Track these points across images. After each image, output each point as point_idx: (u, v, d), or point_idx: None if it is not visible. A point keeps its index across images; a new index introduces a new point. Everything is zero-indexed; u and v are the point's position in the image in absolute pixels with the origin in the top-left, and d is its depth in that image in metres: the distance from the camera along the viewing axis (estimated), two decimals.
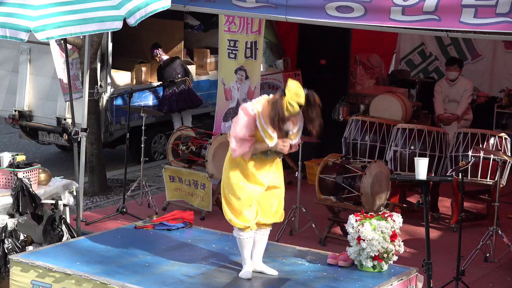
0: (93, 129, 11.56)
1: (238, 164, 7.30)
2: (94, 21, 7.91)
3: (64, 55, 9.94)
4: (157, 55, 13.70)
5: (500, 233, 9.08)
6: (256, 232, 7.46)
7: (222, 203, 7.44)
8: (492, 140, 10.00)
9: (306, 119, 7.16)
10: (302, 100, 7.00)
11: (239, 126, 7.16)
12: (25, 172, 8.38)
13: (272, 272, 7.52)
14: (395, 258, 7.65)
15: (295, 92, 6.99)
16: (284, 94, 7.02)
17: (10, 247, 8.10)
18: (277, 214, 7.50)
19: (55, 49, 10.90)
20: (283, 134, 7.16)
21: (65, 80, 10.18)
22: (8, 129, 15.35)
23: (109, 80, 13.01)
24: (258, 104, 7.18)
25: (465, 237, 8.53)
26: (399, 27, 8.20)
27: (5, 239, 8.10)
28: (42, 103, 13.11)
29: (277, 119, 7.03)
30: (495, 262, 9.13)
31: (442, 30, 8.03)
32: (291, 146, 7.31)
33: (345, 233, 7.77)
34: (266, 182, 7.33)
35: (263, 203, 7.40)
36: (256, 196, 7.33)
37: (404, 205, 10.44)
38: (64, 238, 8.45)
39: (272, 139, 7.15)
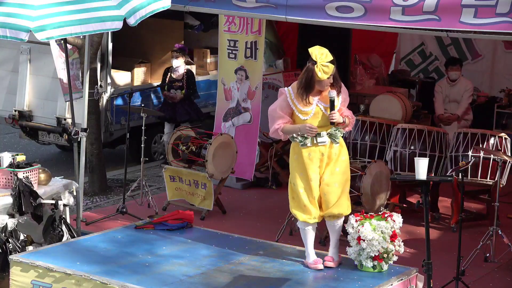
0: (93, 129, 11.57)
1: (297, 156, 7.59)
2: (94, 21, 7.91)
3: (64, 55, 9.94)
4: (179, 56, 12.87)
5: (500, 233, 9.08)
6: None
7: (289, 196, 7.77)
8: (492, 140, 10.00)
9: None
10: (331, 57, 7.42)
11: (274, 104, 7.61)
12: (25, 172, 8.39)
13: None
14: (395, 258, 7.65)
15: (321, 53, 7.42)
16: (315, 62, 7.41)
17: (11, 247, 8.10)
18: (334, 206, 7.66)
19: (55, 49, 10.90)
20: (306, 101, 7.47)
21: (65, 80, 10.18)
22: (8, 129, 15.35)
23: (109, 80, 13.01)
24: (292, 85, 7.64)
25: (465, 237, 8.53)
26: (399, 27, 8.20)
27: (9, 239, 8.10)
28: (42, 103, 13.11)
29: (302, 84, 7.46)
30: (495, 262, 9.13)
31: (442, 30, 8.03)
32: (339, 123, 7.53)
33: (345, 233, 7.77)
34: (316, 174, 7.56)
35: (321, 195, 7.65)
36: (315, 187, 7.57)
37: (404, 205, 10.44)
38: (64, 238, 8.45)
39: (305, 114, 7.47)
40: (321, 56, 7.40)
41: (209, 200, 10.43)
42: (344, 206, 7.70)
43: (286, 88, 7.62)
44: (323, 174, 7.61)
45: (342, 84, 7.64)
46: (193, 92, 13.01)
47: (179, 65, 12.81)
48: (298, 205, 7.68)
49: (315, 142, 7.52)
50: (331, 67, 7.41)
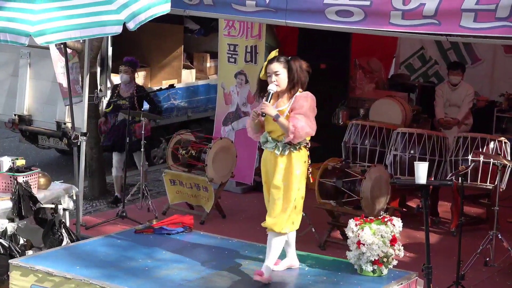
0: (93, 133, 11.56)
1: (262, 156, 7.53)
2: (94, 25, 7.91)
3: (63, 59, 9.94)
4: (128, 71, 11.44)
5: (500, 237, 9.07)
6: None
7: None
8: (492, 144, 9.99)
9: (291, 78, 7.28)
10: (269, 57, 7.32)
11: None
12: (24, 177, 8.39)
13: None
14: (395, 262, 7.65)
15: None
16: None
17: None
18: (269, 219, 7.31)
19: (54, 53, 10.90)
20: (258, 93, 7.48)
21: (65, 84, 10.19)
22: (8, 134, 15.36)
23: (109, 84, 13.00)
24: None
25: (465, 241, 8.52)
26: (399, 31, 8.19)
27: (10, 244, 8.10)
28: (42, 107, 13.12)
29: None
30: (495, 266, 9.12)
31: (442, 35, 8.03)
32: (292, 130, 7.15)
33: (345, 237, 7.77)
34: (266, 178, 7.45)
35: (269, 201, 7.42)
36: (265, 191, 7.48)
37: (404, 209, 10.44)
38: (64, 243, 8.44)
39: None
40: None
41: (211, 202, 10.43)
42: (278, 222, 7.26)
43: None
44: (272, 184, 7.34)
45: (307, 93, 7.28)
46: (155, 111, 11.57)
47: (127, 81, 11.40)
48: None
49: (264, 145, 7.42)
50: (265, 63, 7.34)
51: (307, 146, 7.37)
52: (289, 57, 7.36)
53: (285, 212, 7.28)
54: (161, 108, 11.71)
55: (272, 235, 7.38)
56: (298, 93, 7.29)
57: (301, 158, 7.32)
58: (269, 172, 7.42)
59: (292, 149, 7.27)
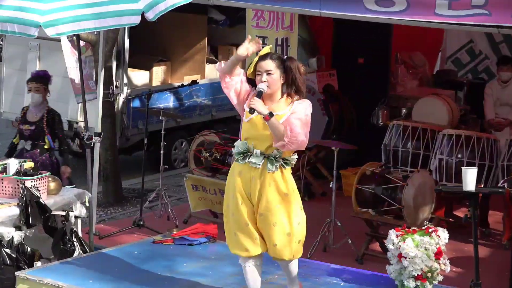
0: (108, 134, 11.62)
1: (232, 171, 7.06)
2: (110, 15, 7.94)
3: (76, 52, 10.00)
4: (40, 89, 10.09)
5: None
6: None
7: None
8: None
9: (288, 80, 6.92)
10: (261, 53, 6.96)
11: None
12: (33, 181, 8.43)
13: None
14: (440, 278, 7.61)
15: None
16: None
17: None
18: (274, 248, 7.01)
19: (66, 46, 10.97)
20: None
21: (77, 80, 10.26)
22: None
23: (125, 80, 13.07)
24: None
25: None
26: (445, 23, 8.16)
27: (17, 255, 8.15)
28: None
29: None
30: None
31: (493, 26, 7.98)
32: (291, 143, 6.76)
33: (385, 249, 7.75)
34: (246, 199, 6.99)
35: (261, 228, 7.04)
36: (244, 212, 6.98)
37: (450, 219, 10.39)
38: (76, 253, 8.48)
39: (247, 115, 6.88)
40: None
41: None
42: (286, 251, 7.02)
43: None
44: (259, 208, 6.94)
45: (307, 101, 6.91)
46: (62, 145, 10.10)
47: (39, 102, 10.07)
48: (228, 235, 7.09)
49: (247, 160, 6.88)
50: (256, 59, 6.98)
51: (294, 162, 7.07)
52: (285, 57, 7.02)
53: (290, 237, 7.01)
54: (70, 148, 10.57)
55: (285, 262, 7.19)
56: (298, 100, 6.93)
57: (290, 174, 7.05)
58: (247, 190, 6.96)
59: (283, 165, 6.94)
